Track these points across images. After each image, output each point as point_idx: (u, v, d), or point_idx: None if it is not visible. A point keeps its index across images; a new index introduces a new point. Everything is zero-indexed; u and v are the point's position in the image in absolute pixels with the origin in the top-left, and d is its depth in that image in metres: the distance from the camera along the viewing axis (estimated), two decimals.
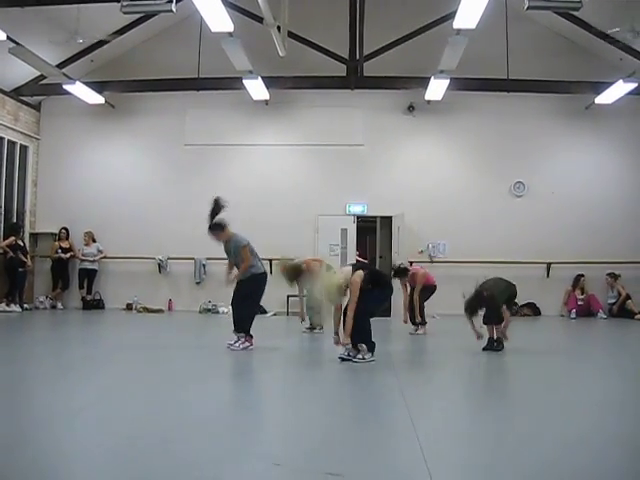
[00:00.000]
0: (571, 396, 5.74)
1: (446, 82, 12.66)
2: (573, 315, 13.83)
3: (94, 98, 13.76)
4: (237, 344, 8.21)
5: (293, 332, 10.28)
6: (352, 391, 6.13)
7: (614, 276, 14.08)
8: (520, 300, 14.22)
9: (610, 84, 12.63)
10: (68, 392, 5.62)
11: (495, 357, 7.97)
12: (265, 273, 8.54)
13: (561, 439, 4.20)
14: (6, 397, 5.26)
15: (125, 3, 9.49)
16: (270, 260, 13.23)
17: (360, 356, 7.11)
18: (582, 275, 14.19)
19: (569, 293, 14.19)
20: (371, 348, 7.21)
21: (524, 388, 6.18)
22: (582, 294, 14.12)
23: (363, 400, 5.60)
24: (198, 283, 14.83)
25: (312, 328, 10.40)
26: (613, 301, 14.06)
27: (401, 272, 10.10)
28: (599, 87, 13.04)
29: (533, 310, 14.25)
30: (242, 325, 8.29)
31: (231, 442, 4.12)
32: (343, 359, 7.15)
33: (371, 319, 7.32)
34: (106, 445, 4.04)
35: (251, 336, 8.32)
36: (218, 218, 8.25)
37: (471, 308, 8.04)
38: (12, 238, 13.60)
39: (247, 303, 8.35)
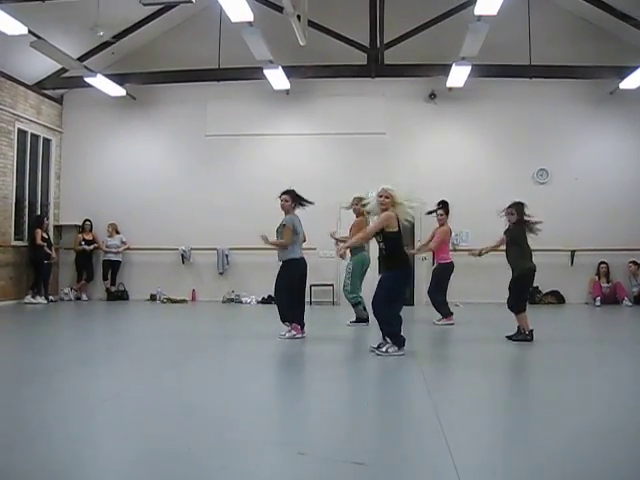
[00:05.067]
0: (601, 386, 5.69)
1: (468, 69, 12.53)
2: (598, 303, 13.67)
3: (115, 90, 13.81)
4: (285, 333, 8.37)
5: (318, 323, 10.20)
6: (376, 383, 6.13)
7: (637, 264, 13.93)
8: (544, 288, 14.16)
9: (635, 68, 12.39)
10: (108, 379, 5.72)
11: (522, 346, 7.91)
12: (302, 259, 8.59)
13: (588, 430, 4.17)
14: (41, 384, 5.33)
15: None
16: None
17: (384, 349, 7.02)
18: (603, 262, 14.05)
19: (593, 281, 14.04)
20: (399, 342, 7.03)
21: (552, 378, 6.11)
22: (607, 282, 13.98)
23: (387, 391, 5.60)
24: (221, 273, 14.87)
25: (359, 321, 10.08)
26: (637, 289, 13.88)
27: (445, 205, 10.57)
28: (623, 72, 12.80)
29: (557, 298, 14.14)
30: (286, 314, 8.42)
31: (257, 431, 4.14)
32: (372, 350, 7.13)
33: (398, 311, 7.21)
34: (139, 430, 4.09)
35: (301, 325, 8.43)
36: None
37: None
38: (38, 230, 13.75)
39: (287, 291, 8.41)
